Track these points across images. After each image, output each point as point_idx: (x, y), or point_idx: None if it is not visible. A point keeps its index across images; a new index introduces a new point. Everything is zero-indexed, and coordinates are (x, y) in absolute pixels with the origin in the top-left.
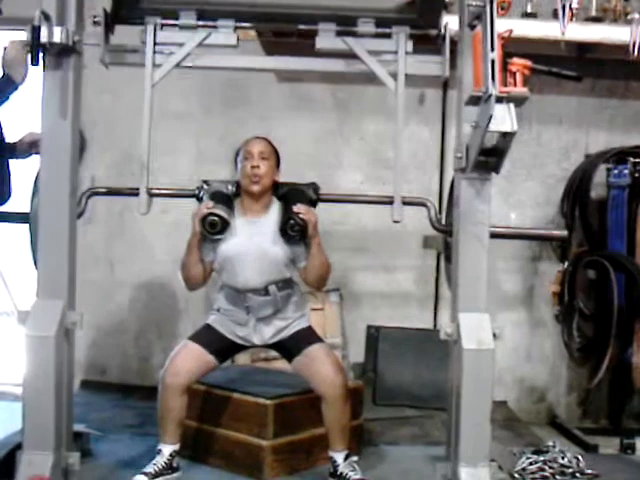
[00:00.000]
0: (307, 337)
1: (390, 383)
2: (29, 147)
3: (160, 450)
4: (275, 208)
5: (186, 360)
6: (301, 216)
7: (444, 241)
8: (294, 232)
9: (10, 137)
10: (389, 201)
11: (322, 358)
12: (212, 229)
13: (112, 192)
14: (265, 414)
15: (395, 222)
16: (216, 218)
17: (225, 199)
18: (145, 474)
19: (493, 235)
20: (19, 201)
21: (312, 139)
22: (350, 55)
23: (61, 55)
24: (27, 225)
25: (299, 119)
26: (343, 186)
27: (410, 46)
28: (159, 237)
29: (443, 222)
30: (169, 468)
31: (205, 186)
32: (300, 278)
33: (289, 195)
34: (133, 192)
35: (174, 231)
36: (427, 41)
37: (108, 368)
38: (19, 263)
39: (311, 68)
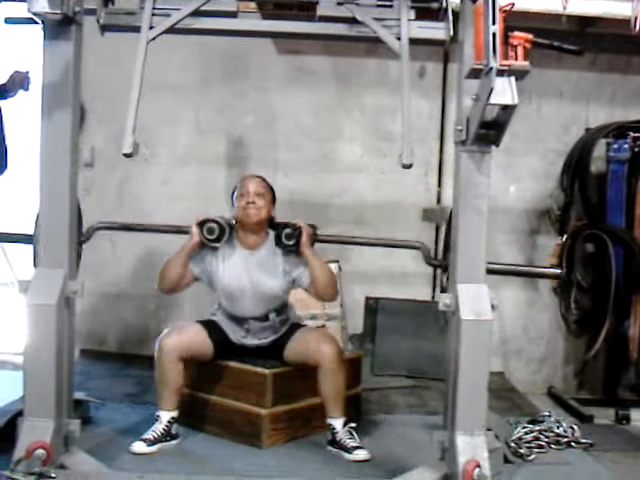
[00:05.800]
0: (296, 326)
1: (388, 354)
2: (20, 85)
3: (159, 416)
4: (271, 240)
5: (187, 331)
6: (296, 225)
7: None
8: (289, 240)
9: None
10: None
11: (312, 332)
12: (210, 234)
13: None
14: (264, 383)
15: (405, 167)
16: (214, 225)
17: (225, 223)
18: (144, 440)
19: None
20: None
21: (312, 112)
22: (352, 20)
23: (61, 26)
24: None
25: (299, 92)
26: (343, 159)
27: (412, 14)
28: (159, 208)
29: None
30: (168, 435)
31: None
32: (311, 296)
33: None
34: None
35: (174, 202)
36: (429, 14)
37: (107, 338)
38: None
39: (312, 31)
